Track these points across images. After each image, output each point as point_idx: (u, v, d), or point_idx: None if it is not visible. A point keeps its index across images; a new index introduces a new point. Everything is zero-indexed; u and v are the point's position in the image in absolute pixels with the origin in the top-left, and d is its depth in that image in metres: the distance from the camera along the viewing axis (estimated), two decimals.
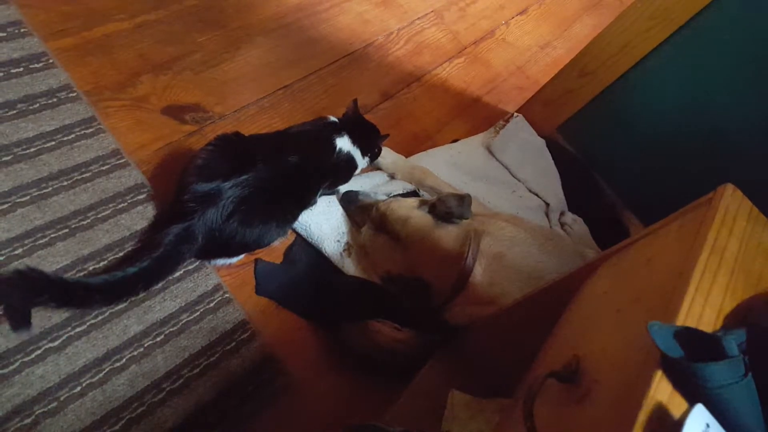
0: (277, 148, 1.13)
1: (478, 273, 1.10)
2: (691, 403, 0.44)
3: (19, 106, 1.15)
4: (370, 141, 1.30)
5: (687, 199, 0.72)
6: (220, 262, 1.14)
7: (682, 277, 0.55)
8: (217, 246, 1.06)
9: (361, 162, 1.29)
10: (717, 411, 0.44)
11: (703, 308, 0.53)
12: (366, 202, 1.29)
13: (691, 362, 0.45)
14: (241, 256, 1.16)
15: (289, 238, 1.26)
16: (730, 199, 0.65)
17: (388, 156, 1.43)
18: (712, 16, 1.22)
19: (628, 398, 0.46)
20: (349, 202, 1.30)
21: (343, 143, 1.23)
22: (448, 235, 1.15)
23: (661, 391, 0.45)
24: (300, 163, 1.12)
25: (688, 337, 0.47)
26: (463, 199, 1.17)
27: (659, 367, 0.46)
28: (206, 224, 1.01)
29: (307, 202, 1.20)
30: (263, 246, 1.14)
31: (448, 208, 1.16)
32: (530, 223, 1.28)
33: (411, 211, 1.20)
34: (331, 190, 1.29)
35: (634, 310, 0.61)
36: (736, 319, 0.55)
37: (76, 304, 0.96)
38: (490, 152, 1.60)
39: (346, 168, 1.27)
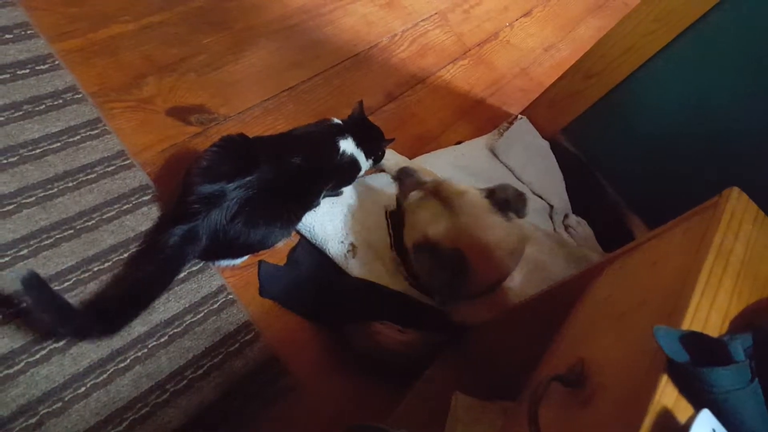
0: (280, 150, 1.14)
1: (517, 279, 1.08)
2: (697, 408, 0.44)
3: (25, 107, 1.16)
4: (374, 143, 1.30)
5: (692, 202, 0.72)
6: (224, 263, 1.14)
7: (687, 280, 0.55)
8: (222, 247, 1.06)
9: (365, 164, 1.29)
10: (723, 416, 0.44)
11: (709, 312, 0.53)
12: (422, 178, 1.25)
13: (697, 367, 0.45)
14: (245, 258, 1.16)
15: (292, 240, 1.26)
16: (736, 202, 0.65)
17: (391, 158, 1.42)
18: (717, 19, 1.22)
19: (634, 403, 0.46)
20: (406, 176, 1.26)
21: (347, 145, 1.23)
22: (500, 225, 1.11)
23: (667, 395, 0.45)
24: (303, 165, 1.13)
25: (694, 341, 0.47)
26: (522, 196, 1.14)
27: (665, 372, 0.46)
28: (210, 225, 1.02)
29: (310, 203, 1.20)
30: (267, 247, 1.14)
31: (506, 196, 1.13)
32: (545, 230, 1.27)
33: (469, 188, 1.17)
34: (334, 191, 1.29)
35: (640, 314, 0.61)
36: (742, 323, 0.54)
37: (97, 334, 0.97)
38: (494, 154, 1.60)
39: (349, 170, 1.27)
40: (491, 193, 1.16)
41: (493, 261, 1.08)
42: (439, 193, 1.18)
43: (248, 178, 1.04)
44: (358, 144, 1.25)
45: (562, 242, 1.23)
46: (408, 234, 1.20)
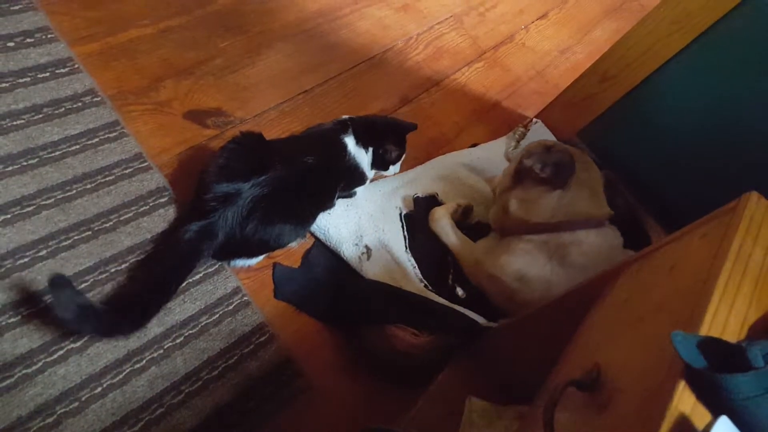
0: (293, 149, 1.15)
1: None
2: (715, 415, 0.43)
3: (45, 110, 1.18)
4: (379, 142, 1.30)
5: (710, 206, 0.71)
6: (240, 263, 1.15)
7: (706, 285, 0.55)
8: (237, 245, 1.07)
9: (366, 167, 1.29)
10: (741, 423, 0.43)
11: (728, 318, 0.52)
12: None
13: (715, 373, 0.45)
14: (261, 258, 1.17)
15: (307, 242, 1.26)
16: (755, 207, 0.64)
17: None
18: (735, 21, 1.20)
19: (651, 409, 0.46)
20: None
21: (351, 145, 1.23)
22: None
23: (684, 402, 0.45)
24: (316, 164, 1.14)
25: (712, 347, 0.47)
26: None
27: (682, 378, 0.46)
28: (227, 223, 1.03)
29: (324, 202, 1.21)
30: (282, 246, 1.15)
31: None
32: None
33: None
34: (347, 192, 1.30)
35: (657, 319, 0.61)
36: (761, 329, 0.54)
37: (122, 331, 0.99)
38: (509, 161, 1.59)
39: (356, 171, 1.27)
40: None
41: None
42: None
43: (263, 177, 1.04)
44: (362, 144, 1.25)
45: None
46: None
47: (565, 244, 1.13)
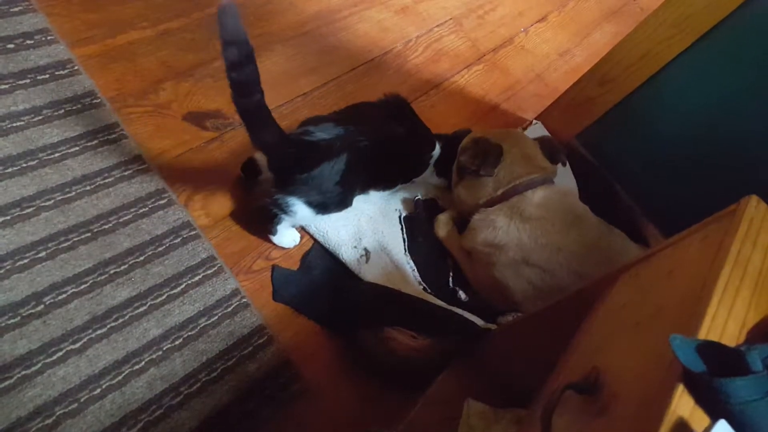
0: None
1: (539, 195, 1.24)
2: (714, 419, 0.44)
3: (44, 111, 1.18)
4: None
5: (709, 210, 0.71)
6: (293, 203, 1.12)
7: (704, 289, 0.55)
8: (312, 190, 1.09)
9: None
10: (740, 427, 0.43)
11: (726, 322, 0.52)
12: None
13: (714, 377, 0.45)
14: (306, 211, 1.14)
15: (306, 245, 1.26)
16: (754, 211, 0.64)
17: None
18: (736, 24, 1.21)
19: (649, 412, 0.46)
20: None
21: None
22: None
23: (683, 405, 0.45)
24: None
25: (711, 351, 0.47)
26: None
27: (681, 382, 0.46)
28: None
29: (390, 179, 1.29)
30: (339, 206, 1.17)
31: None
32: None
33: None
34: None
35: (655, 323, 0.61)
36: (760, 333, 0.54)
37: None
38: None
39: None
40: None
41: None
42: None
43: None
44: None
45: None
46: None
47: (516, 205, 1.24)
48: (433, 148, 1.33)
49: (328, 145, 1.07)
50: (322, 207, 1.13)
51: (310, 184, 1.07)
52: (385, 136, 1.18)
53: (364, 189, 1.24)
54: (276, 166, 1.09)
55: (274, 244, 1.22)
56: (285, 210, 1.11)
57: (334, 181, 1.09)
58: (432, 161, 1.35)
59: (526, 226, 1.21)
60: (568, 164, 1.60)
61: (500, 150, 1.26)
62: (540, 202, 1.23)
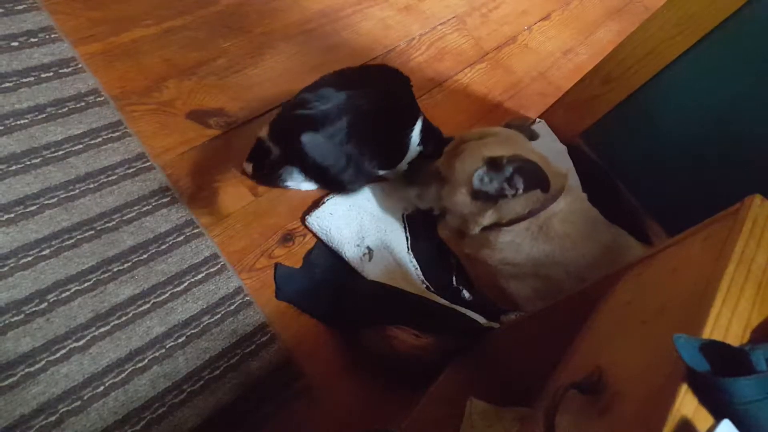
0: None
1: (561, 204, 1.16)
2: (717, 419, 0.43)
3: (48, 109, 1.18)
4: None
5: (713, 209, 0.71)
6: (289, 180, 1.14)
7: (708, 288, 0.55)
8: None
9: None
10: (744, 427, 0.43)
11: (730, 321, 0.52)
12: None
13: (718, 377, 0.45)
14: (303, 184, 1.16)
15: (309, 243, 1.26)
16: (759, 209, 0.64)
17: None
18: (740, 23, 1.20)
19: (652, 412, 0.46)
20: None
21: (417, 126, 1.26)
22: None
23: (686, 405, 0.45)
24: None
25: (715, 350, 0.47)
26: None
27: (684, 381, 0.45)
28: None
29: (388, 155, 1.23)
30: (335, 182, 1.15)
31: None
32: None
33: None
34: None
35: (659, 322, 0.61)
36: (764, 332, 0.54)
37: None
38: None
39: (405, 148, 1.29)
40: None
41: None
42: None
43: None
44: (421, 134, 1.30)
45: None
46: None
47: (543, 224, 1.14)
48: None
49: (326, 114, 1.05)
50: (328, 180, 1.12)
51: (312, 154, 1.04)
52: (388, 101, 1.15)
53: (372, 162, 1.17)
54: (277, 138, 1.09)
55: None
56: (289, 180, 1.12)
57: (337, 150, 1.06)
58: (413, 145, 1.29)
59: (548, 246, 1.14)
60: (572, 164, 1.60)
61: (536, 166, 1.09)
62: (565, 216, 1.14)
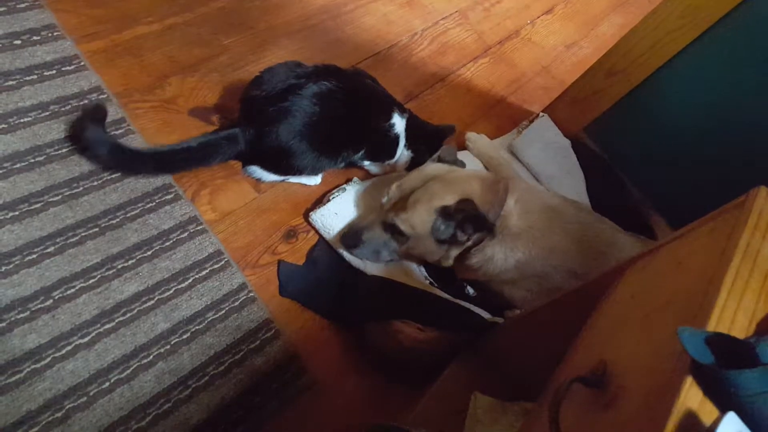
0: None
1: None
2: (723, 411, 0.43)
3: (52, 107, 1.18)
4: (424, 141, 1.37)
5: (717, 201, 0.71)
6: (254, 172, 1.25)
7: (713, 281, 0.54)
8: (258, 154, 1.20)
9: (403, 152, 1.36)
10: (749, 420, 0.43)
11: (736, 314, 0.52)
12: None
13: (723, 369, 0.44)
14: (273, 176, 1.25)
15: (312, 239, 1.27)
16: (764, 201, 0.64)
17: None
18: (744, 15, 1.20)
19: (657, 405, 0.46)
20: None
21: (399, 123, 1.29)
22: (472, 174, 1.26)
23: (692, 398, 0.44)
24: (355, 104, 1.21)
25: (720, 343, 0.46)
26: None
27: (689, 374, 0.45)
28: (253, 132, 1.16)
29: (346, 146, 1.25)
30: (297, 169, 1.21)
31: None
32: None
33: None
34: (364, 159, 1.34)
35: (664, 315, 0.60)
36: None
37: (126, 167, 1.15)
38: (512, 153, 1.59)
39: (388, 143, 1.31)
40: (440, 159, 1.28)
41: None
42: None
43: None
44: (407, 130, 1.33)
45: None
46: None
47: (502, 226, 1.16)
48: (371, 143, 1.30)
49: (283, 107, 1.14)
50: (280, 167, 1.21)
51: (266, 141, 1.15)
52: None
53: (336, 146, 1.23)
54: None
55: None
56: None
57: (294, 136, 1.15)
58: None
59: (517, 244, 1.16)
60: (575, 158, 1.59)
61: (473, 205, 1.13)
62: (519, 212, 1.17)
